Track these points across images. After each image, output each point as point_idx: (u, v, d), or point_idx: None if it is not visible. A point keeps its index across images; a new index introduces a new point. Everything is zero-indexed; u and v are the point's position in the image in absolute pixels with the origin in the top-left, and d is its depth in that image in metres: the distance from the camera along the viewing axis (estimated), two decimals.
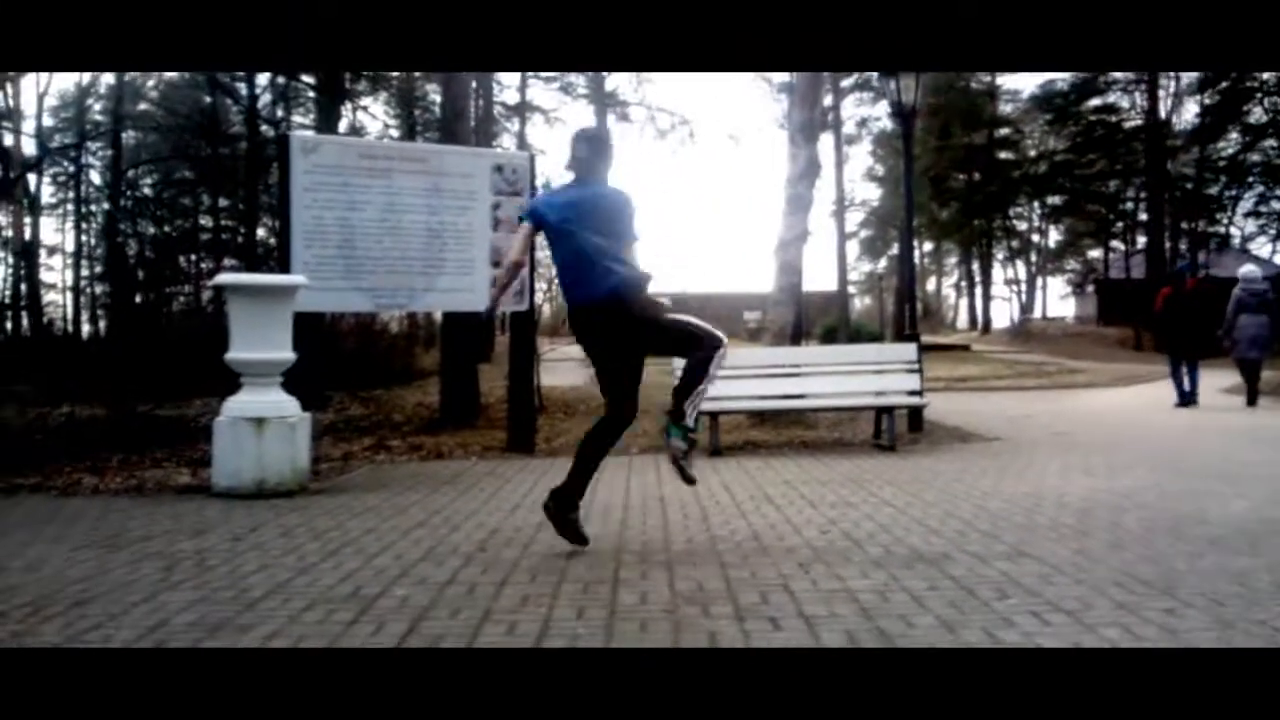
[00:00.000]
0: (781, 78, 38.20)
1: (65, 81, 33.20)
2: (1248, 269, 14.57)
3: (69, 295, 34.63)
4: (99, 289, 32.45)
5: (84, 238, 34.42)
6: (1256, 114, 38.48)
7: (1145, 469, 7.80)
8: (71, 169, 33.36)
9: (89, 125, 33.13)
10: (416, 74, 31.27)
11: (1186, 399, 14.03)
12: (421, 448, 10.01)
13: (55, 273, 38.08)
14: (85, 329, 32.23)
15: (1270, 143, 38.42)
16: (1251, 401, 13.81)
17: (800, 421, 11.44)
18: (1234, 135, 40.02)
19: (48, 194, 36.72)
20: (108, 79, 30.34)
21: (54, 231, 39.05)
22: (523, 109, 36.77)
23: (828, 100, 35.81)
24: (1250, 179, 40.21)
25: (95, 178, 34.35)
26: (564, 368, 20.32)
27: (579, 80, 37.32)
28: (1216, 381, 16.09)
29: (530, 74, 35.76)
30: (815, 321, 38.93)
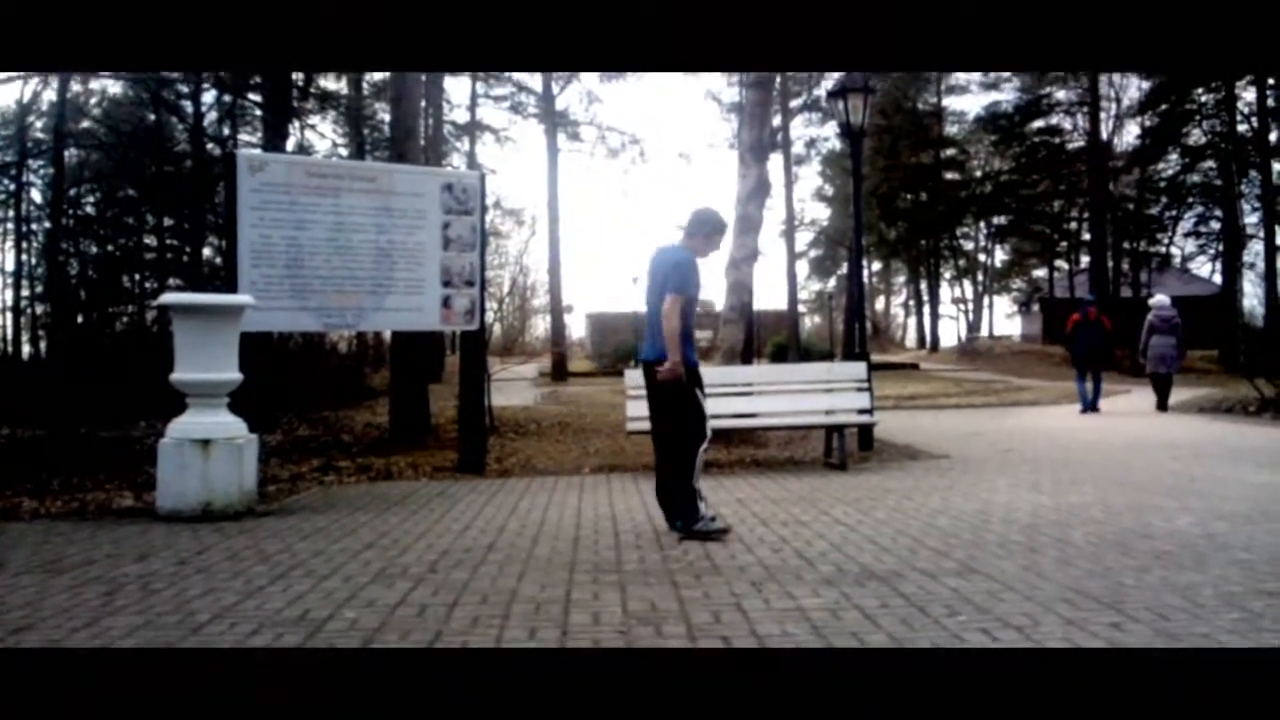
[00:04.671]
0: (732, 97, 38.50)
1: (5, 98, 32.75)
2: (1158, 299, 17.24)
3: (9, 316, 33.94)
4: (40, 309, 31.85)
5: (24, 257, 33.75)
6: (1195, 136, 39.26)
7: (1091, 485, 7.90)
8: (11, 187, 32.76)
9: (30, 143, 32.54)
10: (366, 92, 31.14)
11: (1088, 406, 16.23)
12: (371, 469, 9.92)
13: None
14: (25, 350, 31.61)
15: (1209, 164, 39.18)
16: (1162, 408, 16.24)
17: (751, 440, 11.47)
18: (1173, 157, 40.77)
19: None
20: (49, 95, 29.84)
21: None
22: (473, 128, 36.74)
23: (777, 120, 36.09)
24: (1190, 200, 40.96)
25: (36, 196, 33.77)
26: (515, 388, 20.26)
27: (529, 99, 37.38)
28: (1150, 399, 17.07)
29: (481, 95, 35.77)
30: (766, 340, 39.13)
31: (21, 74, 24.73)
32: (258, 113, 28.26)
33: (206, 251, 27.30)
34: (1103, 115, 42.08)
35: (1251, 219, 38.49)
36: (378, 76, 28.67)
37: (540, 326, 52.80)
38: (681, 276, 5.95)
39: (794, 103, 42.21)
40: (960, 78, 48.80)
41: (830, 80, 21.74)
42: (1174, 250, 45.02)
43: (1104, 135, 42.22)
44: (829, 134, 47.96)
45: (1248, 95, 36.10)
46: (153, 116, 30.28)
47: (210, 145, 28.67)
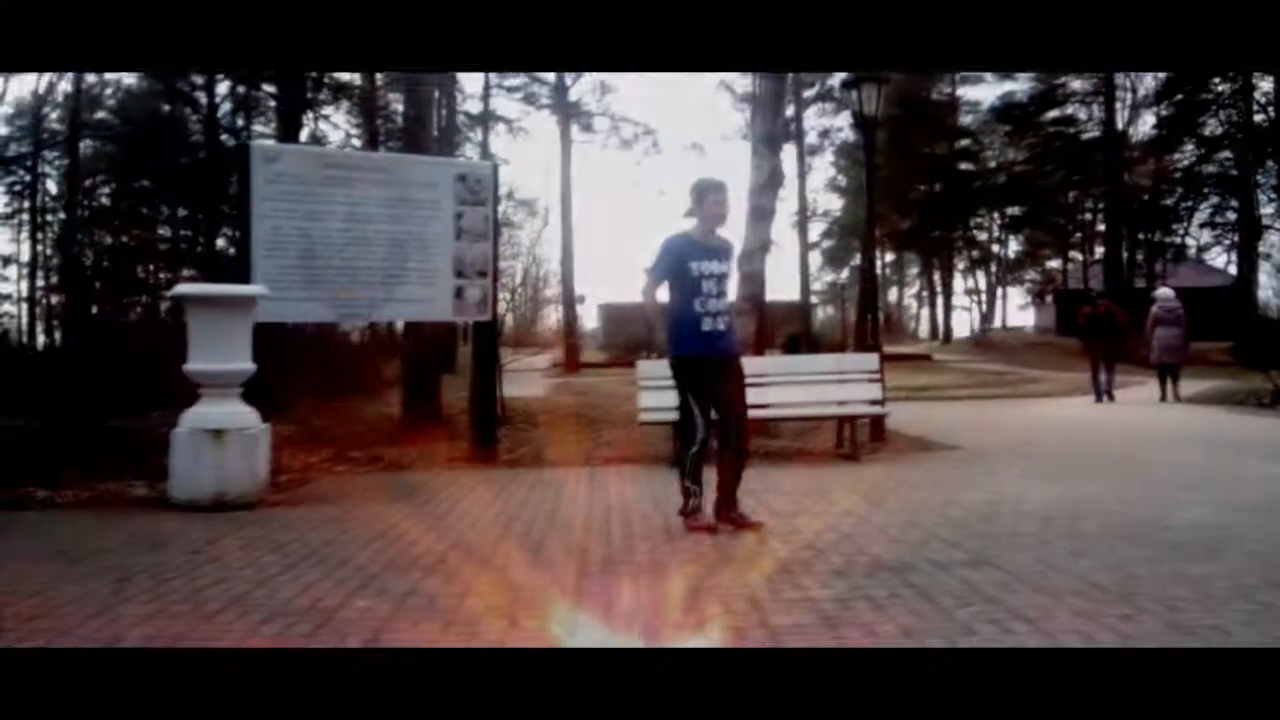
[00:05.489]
0: (745, 87, 38.38)
1: (21, 89, 32.88)
2: (1163, 292, 18.06)
3: (24, 306, 34.13)
4: (55, 299, 32.02)
5: (40, 247, 33.95)
6: (1212, 125, 38.99)
7: (1104, 476, 7.87)
8: (27, 178, 32.91)
9: (45, 134, 32.68)
10: (379, 83, 31.14)
11: (1102, 395, 16.87)
12: (383, 459, 9.93)
13: (10, 283, 37.44)
14: (41, 340, 31.77)
15: (1225, 154, 38.92)
16: (1165, 398, 16.60)
17: (763, 431, 11.45)
18: (1189, 147, 40.49)
19: (2, 203, 36.11)
20: (65, 86, 29.95)
21: (9, 241, 38.36)
22: (486, 118, 36.67)
23: (790, 111, 35.97)
24: (1206, 190, 40.68)
25: (52, 187, 33.93)
26: (527, 378, 20.26)
27: (542, 90, 37.33)
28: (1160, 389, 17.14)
29: (494, 85, 35.71)
30: (778, 331, 39.00)
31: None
32: (271, 104, 28.33)
33: (220, 242, 27.41)
34: (1118, 105, 41.84)
35: (1268, 209, 38.27)
36: None
37: (553, 317, 52.76)
38: (654, 259, 6.00)
39: (807, 93, 42.07)
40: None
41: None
42: (1189, 241, 44.77)
43: (1119, 125, 41.96)
44: (842, 124, 47.71)
45: (1265, 85, 35.85)
46: (167, 108, 30.38)
47: (224, 136, 28.74)
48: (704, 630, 3.72)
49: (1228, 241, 42.31)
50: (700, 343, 5.83)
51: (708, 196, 5.96)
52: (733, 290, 6.40)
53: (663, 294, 6.04)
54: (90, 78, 29.77)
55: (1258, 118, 36.40)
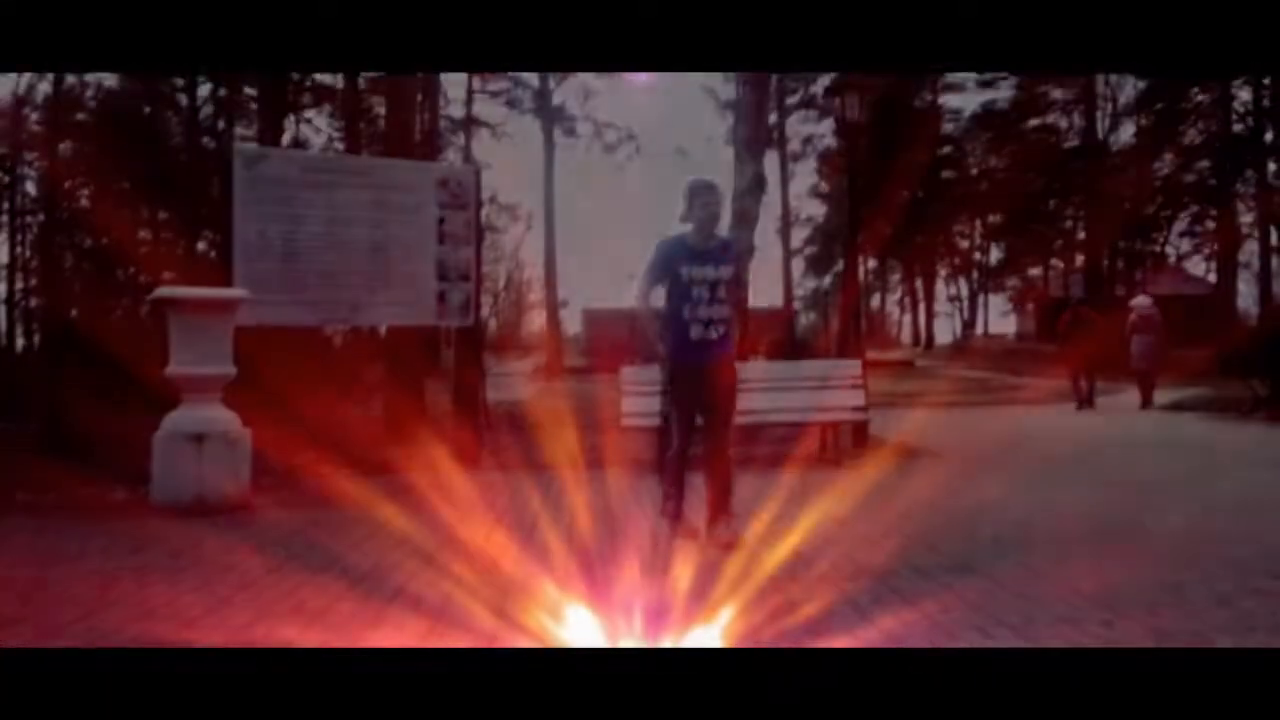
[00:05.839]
0: (729, 94, 38.44)
1: (0, 90, 32.63)
2: (1139, 300, 18.35)
3: (2, 309, 33.86)
4: (34, 302, 31.81)
5: (19, 249, 33.68)
6: (1191, 135, 39.20)
7: (1086, 483, 7.91)
8: (6, 180, 32.67)
9: (24, 135, 32.43)
10: (362, 86, 31.06)
11: (1083, 402, 16.64)
12: (366, 461, 9.89)
13: None
14: (20, 343, 31.54)
15: (1204, 164, 39.16)
16: (1145, 405, 16.54)
17: (745, 436, 11.45)
18: (1169, 156, 40.71)
19: None
20: (44, 88, 29.74)
21: None
22: (468, 123, 36.63)
23: (773, 117, 36.05)
24: (1185, 199, 40.92)
25: (30, 188, 33.68)
26: (510, 382, 20.23)
27: (525, 94, 37.29)
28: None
29: (477, 89, 35.69)
30: (761, 338, 39.05)
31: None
32: (253, 107, 28.24)
33: (201, 245, 27.26)
34: (1099, 114, 42.06)
35: (1246, 218, 38.53)
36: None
37: (536, 321, 52.71)
38: (647, 262, 5.89)
39: (790, 99, 42.16)
40: (957, 75, 48.72)
41: (828, 77, 21.72)
42: (1169, 249, 45.04)
43: (1100, 134, 42.19)
44: (825, 131, 47.84)
45: (1243, 95, 36.13)
46: (148, 110, 30.23)
47: (205, 139, 28.62)
48: (690, 633, 3.72)
49: (1207, 250, 42.60)
50: (688, 350, 5.71)
51: (697, 198, 5.77)
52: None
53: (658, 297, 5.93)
54: (70, 79, 29.58)
55: (1236, 127, 36.67)
